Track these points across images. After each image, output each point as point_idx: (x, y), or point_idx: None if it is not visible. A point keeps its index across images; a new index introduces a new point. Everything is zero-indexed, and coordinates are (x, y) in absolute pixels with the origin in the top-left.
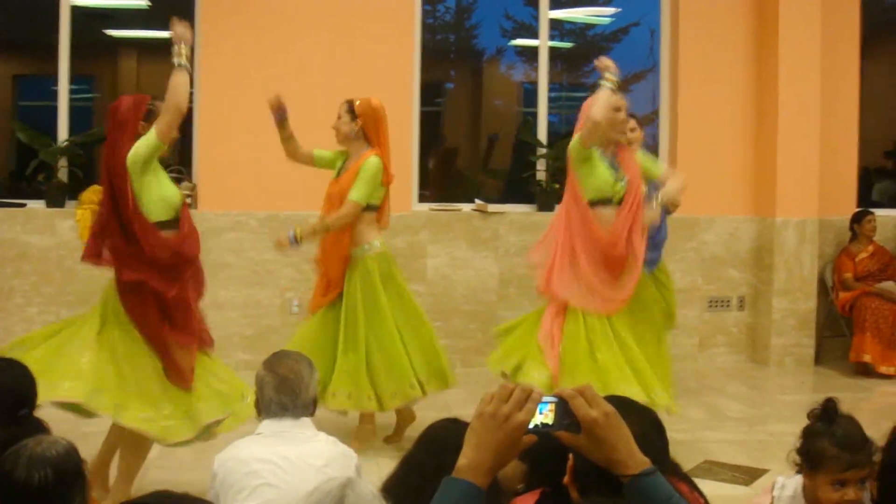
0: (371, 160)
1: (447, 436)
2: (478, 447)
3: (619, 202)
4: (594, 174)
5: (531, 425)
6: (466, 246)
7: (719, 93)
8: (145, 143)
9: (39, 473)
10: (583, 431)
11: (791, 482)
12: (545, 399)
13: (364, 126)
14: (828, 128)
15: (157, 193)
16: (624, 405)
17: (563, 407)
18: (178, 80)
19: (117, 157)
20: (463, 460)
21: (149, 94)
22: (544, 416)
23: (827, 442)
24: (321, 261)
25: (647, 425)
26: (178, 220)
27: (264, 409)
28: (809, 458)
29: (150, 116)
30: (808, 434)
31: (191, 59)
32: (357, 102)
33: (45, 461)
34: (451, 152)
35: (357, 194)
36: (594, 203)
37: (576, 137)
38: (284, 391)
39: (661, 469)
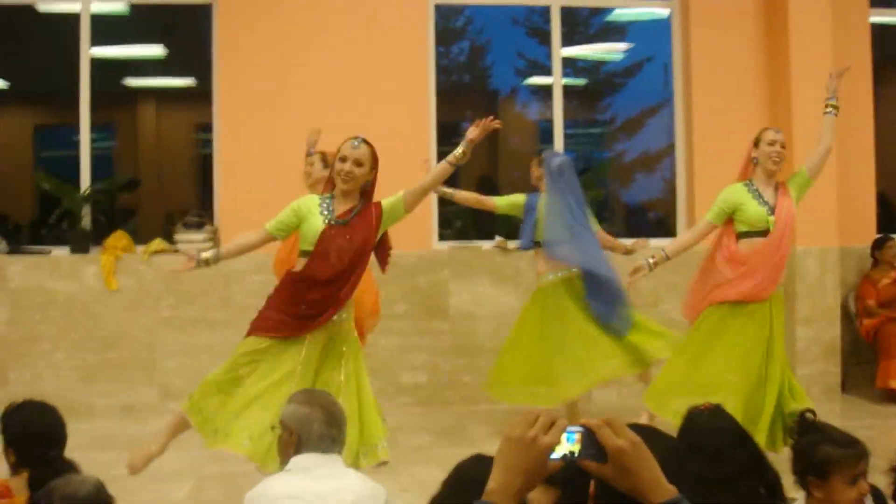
0: None
1: (476, 474)
2: (506, 470)
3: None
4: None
5: (558, 454)
6: (488, 283)
7: (734, 125)
8: None
9: None
10: (609, 460)
11: None
12: (572, 429)
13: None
14: (844, 155)
15: None
16: (646, 433)
17: (589, 436)
18: None
19: None
20: (492, 484)
21: None
22: (572, 445)
23: (829, 447)
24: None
25: (670, 451)
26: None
27: (313, 443)
28: (818, 468)
29: None
30: (805, 448)
31: None
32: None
33: (77, 500)
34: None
35: None
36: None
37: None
38: (334, 424)
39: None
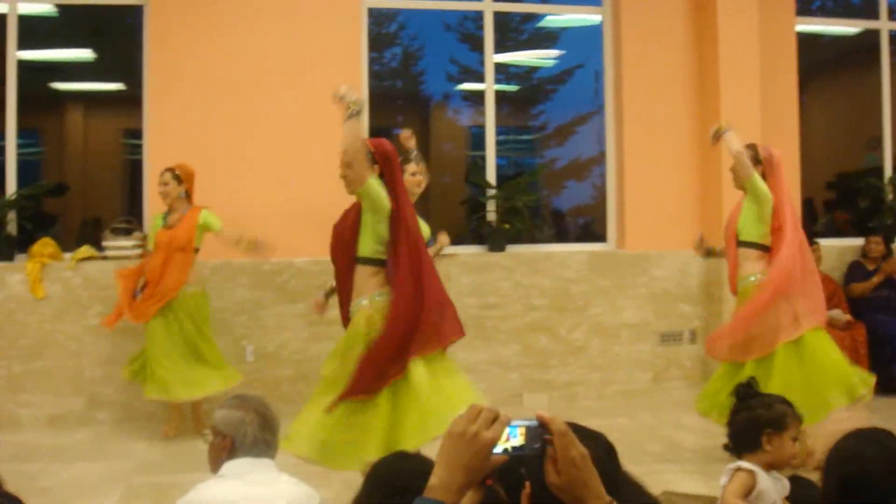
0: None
1: (393, 473)
2: (448, 466)
3: None
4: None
5: (501, 448)
6: None
7: (663, 131)
8: None
9: None
10: (560, 468)
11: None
12: (516, 423)
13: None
14: None
15: None
16: (579, 431)
17: (533, 431)
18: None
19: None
20: (433, 479)
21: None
22: (516, 439)
23: (781, 405)
24: None
25: (601, 450)
26: None
27: (246, 447)
28: (777, 421)
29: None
30: (765, 403)
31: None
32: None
33: None
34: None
35: None
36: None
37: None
38: (268, 429)
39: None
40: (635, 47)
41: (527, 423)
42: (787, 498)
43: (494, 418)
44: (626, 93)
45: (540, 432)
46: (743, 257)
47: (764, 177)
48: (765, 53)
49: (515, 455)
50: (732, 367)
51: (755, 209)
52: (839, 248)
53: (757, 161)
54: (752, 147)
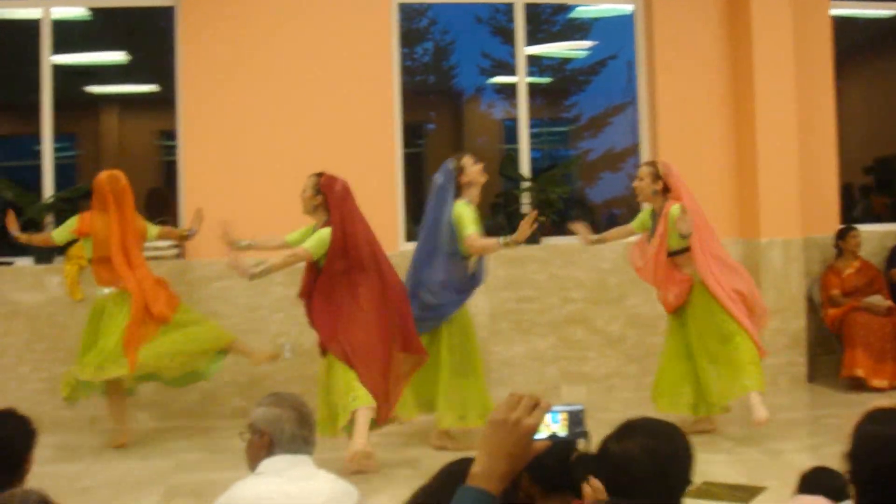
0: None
1: (462, 473)
2: (490, 454)
3: None
4: None
5: (544, 434)
6: None
7: (698, 121)
8: None
9: None
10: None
11: None
12: (557, 408)
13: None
14: (807, 147)
15: None
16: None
17: (575, 416)
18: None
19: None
20: (476, 467)
21: None
22: (557, 425)
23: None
24: None
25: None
26: None
27: (284, 445)
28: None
29: None
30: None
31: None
32: None
33: None
34: None
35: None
36: None
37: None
38: (305, 425)
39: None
40: (668, 36)
41: (568, 408)
42: (812, 489)
43: (535, 405)
44: (660, 82)
45: (581, 417)
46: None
47: (665, 190)
48: (799, 38)
49: (557, 441)
50: (675, 355)
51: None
52: (880, 234)
53: (657, 177)
54: (652, 164)
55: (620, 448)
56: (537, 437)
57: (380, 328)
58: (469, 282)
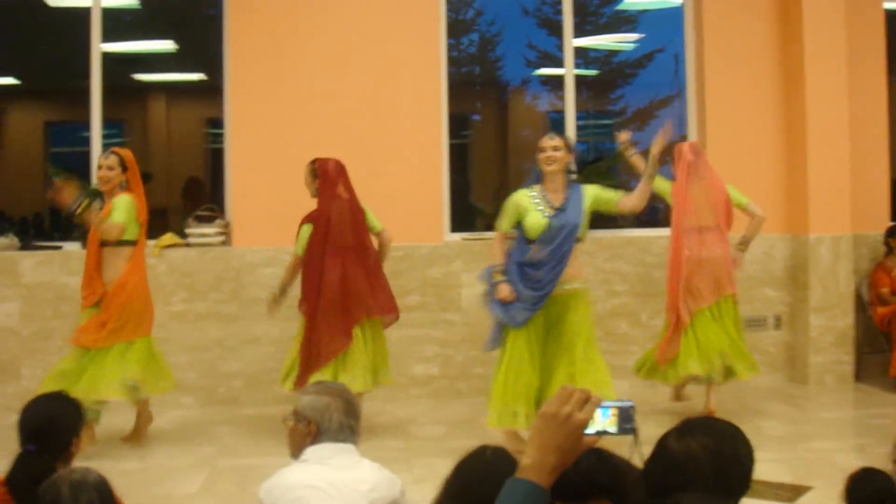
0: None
1: (483, 467)
2: (540, 447)
3: None
4: None
5: (594, 430)
6: None
7: (746, 114)
8: None
9: (85, 497)
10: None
11: None
12: (608, 404)
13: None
14: (857, 144)
15: None
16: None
17: (625, 412)
18: None
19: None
20: (526, 460)
21: None
22: (607, 420)
23: None
24: None
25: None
26: None
27: (332, 433)
28: None
29: None
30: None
31: None
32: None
33: (88, 485)
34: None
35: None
36: None
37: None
38: (352, 414)
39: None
40: (717, 29)
41: (619, 404)
42: (861, 491)
43: (586, 399)
44: (709, 75)
45: (631, 414)
46: None
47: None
48: (851, 33)
49: (607, 436)
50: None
51: None
52: None
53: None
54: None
55: (681, 446)
56: (587, 431)
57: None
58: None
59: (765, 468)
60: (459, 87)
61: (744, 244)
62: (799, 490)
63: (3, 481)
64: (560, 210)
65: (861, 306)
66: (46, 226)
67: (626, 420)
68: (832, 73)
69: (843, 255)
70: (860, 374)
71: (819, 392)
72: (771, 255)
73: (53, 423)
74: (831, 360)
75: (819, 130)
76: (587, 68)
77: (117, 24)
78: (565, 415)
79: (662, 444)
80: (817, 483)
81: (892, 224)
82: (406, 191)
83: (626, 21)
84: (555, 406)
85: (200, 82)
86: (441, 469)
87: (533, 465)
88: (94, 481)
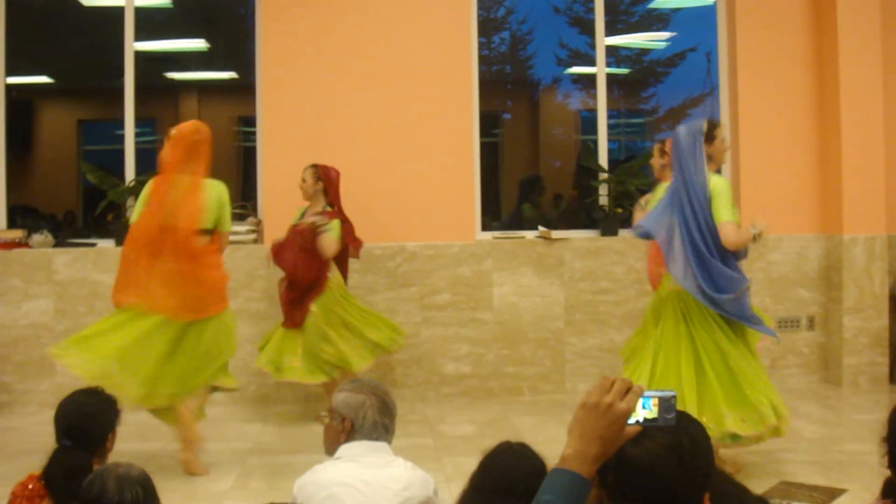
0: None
1: (507, 461)
2: (582, 437)
3: None
4: None
5: (635, 419)
6: (532, 273)
7: (780, 113)
8: None
9: (131, 492)
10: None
11: None
12: (649, 394)
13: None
14: (893, 143)
15: None
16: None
17: (666, 402)
18: None
19: None
20: (568, 450)
21: None
22: (649, 410)
23: None
24: None
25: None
26: None
27: (366, 431)
28: None
29: None
30: None
31: None
32: None
33: (133, 480)
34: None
35: None
36: None
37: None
38: (386, 413)
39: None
40: (750, 28)
41: (660, 393)
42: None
43: (628, 389)
44: (741, 75)
45: (673, 404)
46: None
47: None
48: (887, 31)
49: (649, 426)
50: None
51: None
52: None
53: (663, 153)
54: (661, 143)
55: (640, 451)
56: (629, 421)
57: None
58: None
59: (798, 470)
60: (490, 86)
61: None
62: (833, 493)
63: (38, 476)
64: None
65: None
66: (79, 223)
67: (668, 410)
68: (867, 73)
69: (878, 255)
70: (895, 376)
71: (853, 394)
72: (805, 256)
73: (90, 419)
74: (865, 361)
75: (853, 130)
76: (619, 67)
77: (150, 23)
78: (607, 404)
79: (621, 457)
80: (851, 486)
81: None
82: (437, 189)
83: (658, 20)
84: (596, 395)
85: (232, 80)
86: (471, 468)
87: (575, 454)
88: (138, 476)
